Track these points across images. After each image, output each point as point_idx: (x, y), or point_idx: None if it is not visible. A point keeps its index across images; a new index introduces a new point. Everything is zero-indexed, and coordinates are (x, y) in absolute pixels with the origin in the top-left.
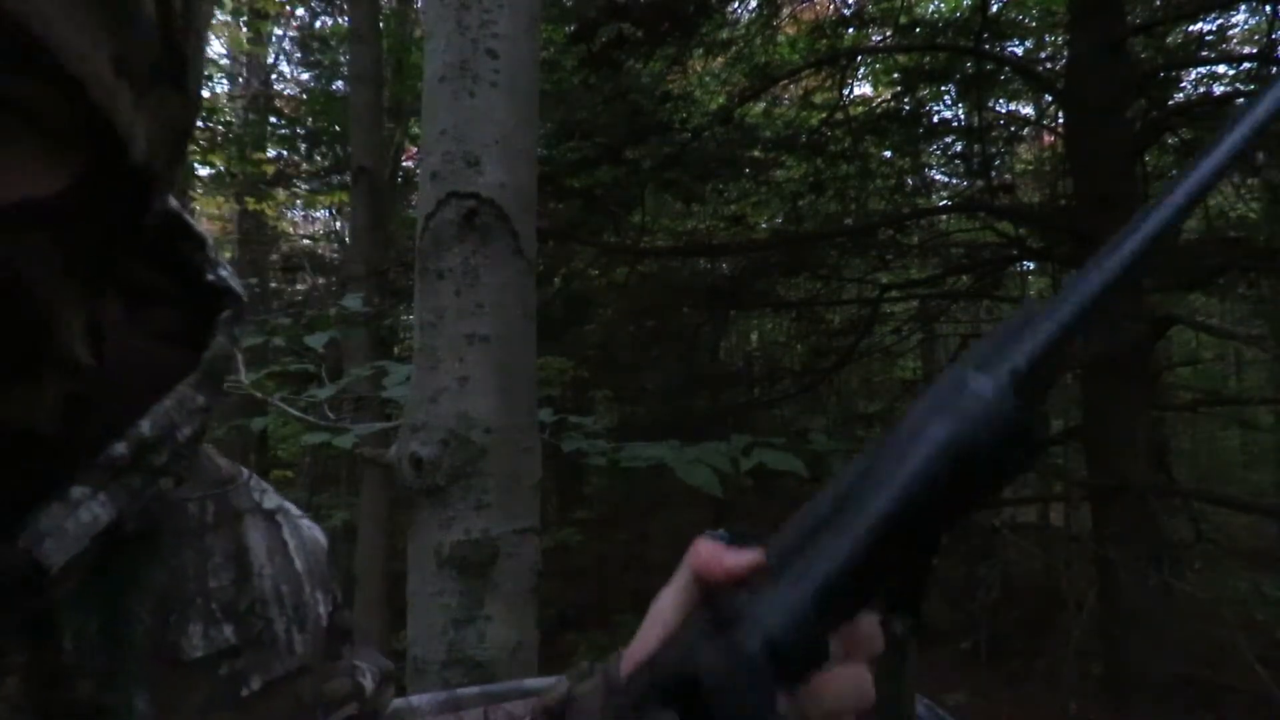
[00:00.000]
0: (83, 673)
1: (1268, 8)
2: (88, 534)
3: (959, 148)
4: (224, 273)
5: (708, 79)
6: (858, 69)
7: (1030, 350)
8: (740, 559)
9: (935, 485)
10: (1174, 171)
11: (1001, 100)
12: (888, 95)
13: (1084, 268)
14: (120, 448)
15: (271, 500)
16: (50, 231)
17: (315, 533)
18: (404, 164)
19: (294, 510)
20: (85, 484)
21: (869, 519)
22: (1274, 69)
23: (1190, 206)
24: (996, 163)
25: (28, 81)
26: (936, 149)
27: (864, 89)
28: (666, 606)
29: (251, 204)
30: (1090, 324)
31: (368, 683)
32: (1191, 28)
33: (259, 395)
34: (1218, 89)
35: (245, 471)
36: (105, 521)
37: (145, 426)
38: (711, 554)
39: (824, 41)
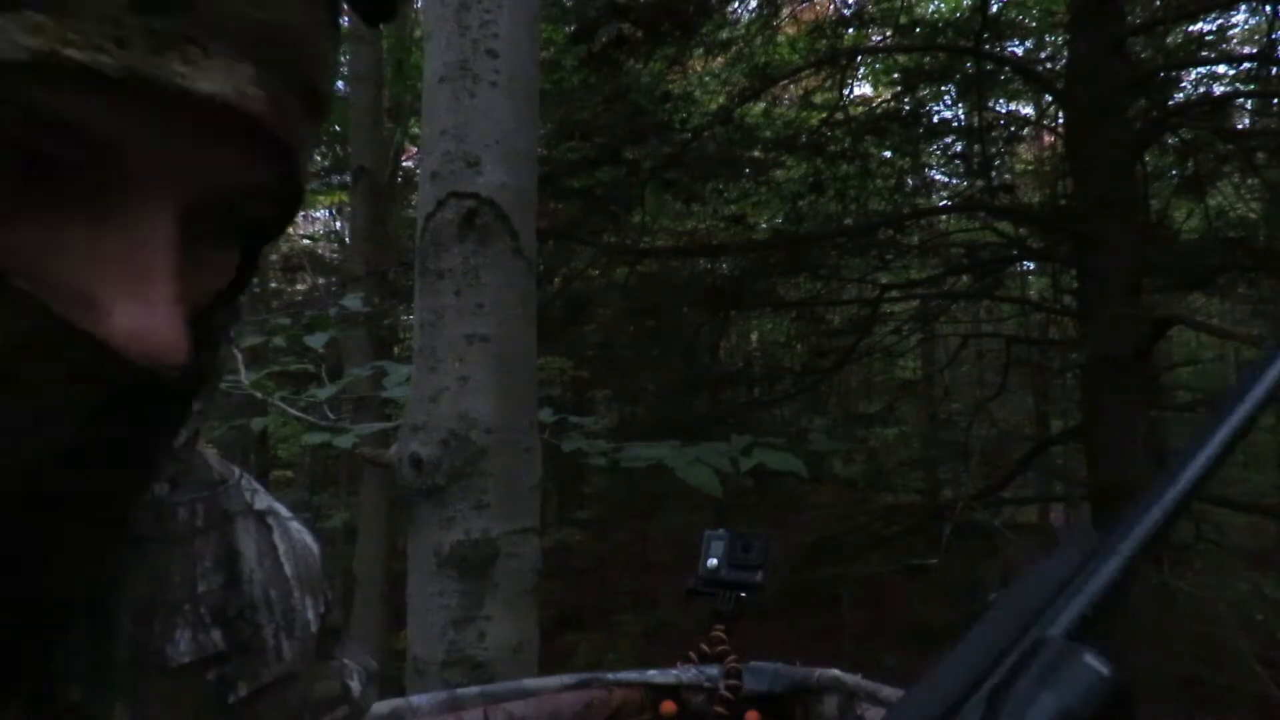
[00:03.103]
0: (72, 679)
1: (1268, 8)
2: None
3: (959, 148)
4: None
5: (708, 79)
6: (858, 69)
7: (1086, 603)
8: None
9: None
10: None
11: (1001, 100)
12: (888, 95)
13: (1131, 512)
14: None
15: (262, 501)
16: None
17: (305, 537)
18: (404, 164)
19: (284, 512)
20: None
21: None
22: (1274, 69)
23: (1219, 462)
24: (996, 163)
25: (265, 197)
26: (936, 149)
27: (864, 89)
28: None
29: None
30: (1143, 566)
31: (355, 684)
32: (1191, 28)
33: (259, 395)
34: (1218, 89)
35: (236, 471)
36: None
37: None
38: None
39: (824, 41)
